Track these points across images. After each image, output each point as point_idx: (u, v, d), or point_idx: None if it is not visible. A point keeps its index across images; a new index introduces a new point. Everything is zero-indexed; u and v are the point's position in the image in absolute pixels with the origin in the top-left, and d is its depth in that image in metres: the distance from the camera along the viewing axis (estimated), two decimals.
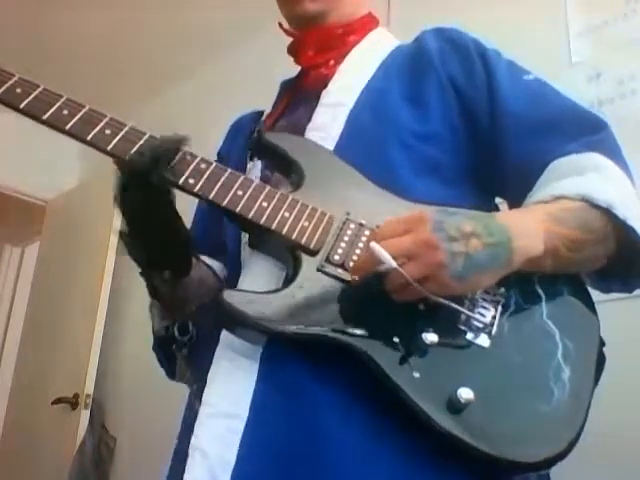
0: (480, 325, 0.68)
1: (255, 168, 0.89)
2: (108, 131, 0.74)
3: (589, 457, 1.38)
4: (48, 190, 3.64)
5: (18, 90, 0.75)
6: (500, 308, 0.69)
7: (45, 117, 0.73)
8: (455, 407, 0.62)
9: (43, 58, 2.91)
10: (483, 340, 0.67)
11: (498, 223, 0.67)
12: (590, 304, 0.73)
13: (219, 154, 1.05)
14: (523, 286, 0.71)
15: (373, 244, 0.65)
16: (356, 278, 0.68)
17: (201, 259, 0.92)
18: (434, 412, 0.61)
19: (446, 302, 0.65)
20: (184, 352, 0.86)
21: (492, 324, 0.68)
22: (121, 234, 0.78)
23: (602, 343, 0.71)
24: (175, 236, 0.78)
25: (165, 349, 0.89)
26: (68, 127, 0.73)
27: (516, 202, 0.79)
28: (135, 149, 0.72)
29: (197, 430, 0.70)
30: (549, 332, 0.68)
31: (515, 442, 0.62)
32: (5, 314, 4.25)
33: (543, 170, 0.77)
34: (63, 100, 0.75)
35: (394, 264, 0.63)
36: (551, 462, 0.62)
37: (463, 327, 0.68)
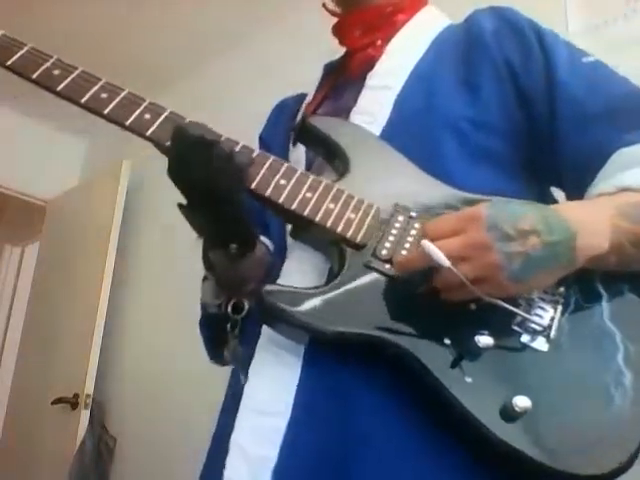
0: (538, 327, 0.63)
1: (297, 153, 0.85)
2: (147, 115, 0.71)
3: None
4: (48, 190, 3.64)
5: (56, 72, 0.73)
6: (559, 309, 0.65)
7: (83, 100, 0.71)
8: (510, 415, 0.58)
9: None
10: (540, 343, 0.63)
11: (560, 218, 0.62)
12: None
13: (261, 138, 1.01)
14: (583, 285, 0.66)
15: (425, 242, 0.60)
16: (401, 275, 0.64)
17: (260, 237, 0.86)
18: (487, 420, 0.58)
19: (501, 303, 0.61)
20: (237, 332, 0.81)
21: (550, 326, 0.64)
22: (180, 207, 0.73)
23: None
24: (241, 207, 0.73)
25: (214, 328, 0.86)
26: (107, 111, 0.71)
27: (576, 194, 0.74)
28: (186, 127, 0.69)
29: (238, 424, 0.68)
30: (609, 333, 0.63)
31: (575, 453, 0.58)
32: (5, 314, 4.25)
33: (606, 160, 0.71)
34: (101, 83, 0.73)
35: (448, 264, 0.59)
36: (615, 474, 0.58)
37: (519, 329, 0.63)
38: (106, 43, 2.98)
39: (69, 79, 0.72)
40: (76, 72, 0.73)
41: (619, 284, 0.67)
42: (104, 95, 0.72)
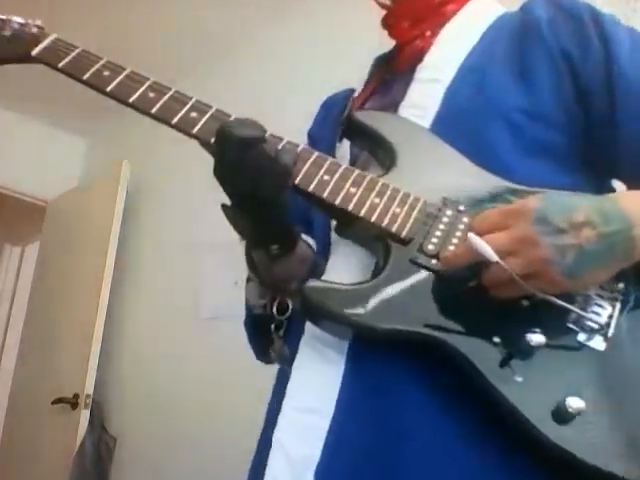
0: (594, 325, 0.60)
1: (343, 149, 0.83)
2: (194, 114, 0.71)
3: None
4: (48, 190, 3.64)
5: (106, 73, 0.74)
6: (618, 306, 0.61)
7: (131, 100, 0.72)
8: (562, 417, 0.55)
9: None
10: (597, 342, 0.59)
11: (617, 208, 0.59)
12: None
13: (309, 135, 0.98)
14: None
15: (472, 236, 0.58)
16: (448, 271, 0.62)
17: (302, 236, 0.85)
18: (538, 421, 0.55)
19: (555, 300, 0.58)
20: (280, 333, 0.81)
21: (608, 324, 0.60)
22: (224, 207, 0.72)
23: None
24: (282, 209, 0.72)
25: (260, 329, 0.84)
26: (154, 111, 0.71)
27: (637, 187, 0.70)
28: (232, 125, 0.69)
29: (280, 423, 0.67)
30: None
31: (631, 458, 0.55)
32: (5, 314, 4.25)
33: None
34: (149, 82, 0.73)
35: (496, 258, 0.57)
36: None
37: (574, 327, 0.60)
38: (106, 45, 2.98)
39: (118, 80, 0.73)
40: (125, 72, 0.74)
41: None
42: (152, 95, 0.73)
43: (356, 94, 0.92)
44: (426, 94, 0.77)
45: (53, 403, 2.87)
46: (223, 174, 0.69)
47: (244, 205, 0.71)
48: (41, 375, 3.13)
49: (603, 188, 0.75)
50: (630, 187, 0.74)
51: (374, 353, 0.64)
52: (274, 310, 0.81)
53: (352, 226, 0.70)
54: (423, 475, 0.59)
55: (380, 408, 0.63)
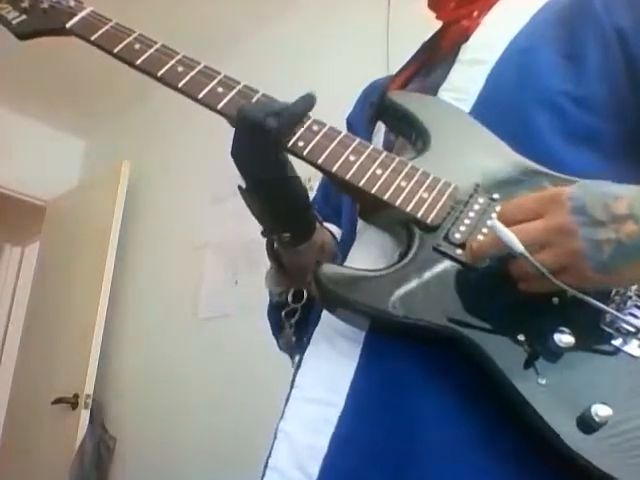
0: (631, 329, 0.55)
1: (379, 132, 0.80)
2: (220, 89, 0.71)
3: None
4: (48, 190, 3.64)
5: (137, 46, 0.74)
6: None
7: (160, 74, 0.72)
8: (588, 425, 0.51)
9: (40, 62, 2.91)
10: (634, 347, 0.55)
11: None
12: None
13: (347, 121, 0.96)
14: None
15: (497, 224, 0.54)
16: (472, 261, 0.58)
17: (324, 225, 0.83)
18: (561, 427, 0.51)
19: (587, 298, 0.53)
20: (293, 321, 0.79)
21: None
22: (240, 189, 0.72)
23: None
24: (290, 197, 0.71)
25: (278, 316, 0.82)
26: (181, 85, 0.71)
27: None
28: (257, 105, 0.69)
29: (287, 413, 0.65)
30: None
31: None
32: (5, 314, 4.25)
33: None
34: (179, 57, 0.73)
35: (523, 250, 0.53)
36: None
37: (609, 329, 0.55)
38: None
39: (148, 53, 0.73)
40: (156, 46, 0.74)
41: None
42: (180, 69, 0.72)
43: (394, 76, 0.89)
44: (468, 76, 0.74)
45: (53, 403, 2.87)
46: (238, 156, 0.69)
47: (257, 189, 0.71)
48: (41, 375, 3.13)
49: None
50: None
51: (390, 347, 0.61)
52: (289, 298, 0.80)
53: (377, 211, 0.66)
54: (435, 477, 0.56)
55: (393, 405, 0.60)
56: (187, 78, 0.71)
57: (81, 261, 3.19)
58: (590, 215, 0.52)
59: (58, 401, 2.86)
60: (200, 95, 0.70)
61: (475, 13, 0.80)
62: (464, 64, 0.75)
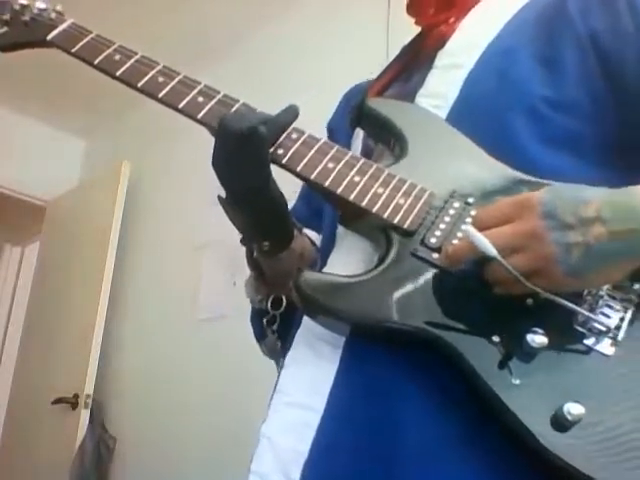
0: (603, 328, 0.56)
1: (358, 138, 0.81)
2: (201, 98, 0.72)
3: None
4: (48, 190, 3.64)
5: (117, 57, 0.75)
6: (632, 308, 0.57)
7: (140, 84, 0.73)
8: (561, 424, 0.52)
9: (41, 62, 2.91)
10: (605, 346, 0.55)
11: (634, 204, 0.54)
12: None
13: (328, 126, 0.96)
14: None
15: (470, 229, 0.55)
16: (447, 265, 0.59)
17: (304, 232, 0.85)
18: (535, 426, 0.52)
19: (558, 299, 0.54)
20: (274, 327, 0.80)
21: (619, 327, 0.56)
22: (220, 199, 0.73)
23: None
24: (270, 205, 0.72)
25: (259, 323, 0.83)
26: (161, 95, 0.72)
27: None
28: (235, 114, 0.70)
29: (269, 417, 0.66)
30: None
31: (631, 471, 0.51)
32: (5, 314, 4.25)
33: None
34: (159, 67, 0.74)
35: (495, 254, 0.54)
36: None
37: (582, 329, 0.56)
38: None
39: (128, 64, 0.74)
40: (135, 57, 0.75)
41: None
42: (161, 79, 0.73)
43: (372, 82, 0.89)
44: (445, 81, 0.74)
45: (53, 403, 2.87)
46: (217, 165, 0.69)
47: (237, 199, 0.71)
48: (41, 375, 3.13)
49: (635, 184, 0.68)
50: None
51: (371, 351, 0.61)
52: (268, 305, 0.80)
53: (356, 217, 0.68)
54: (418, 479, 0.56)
55: (374, 409, 0.60)
56: (167, 88, 0.72)
57: (81, 261, 3.19)
58: (560, 219, 0.53)
59: (58, 401, 2.86)
60: (181, 105, 0.71)
61: (452, 19, 0.81)
62: (440, 69, 0.75)
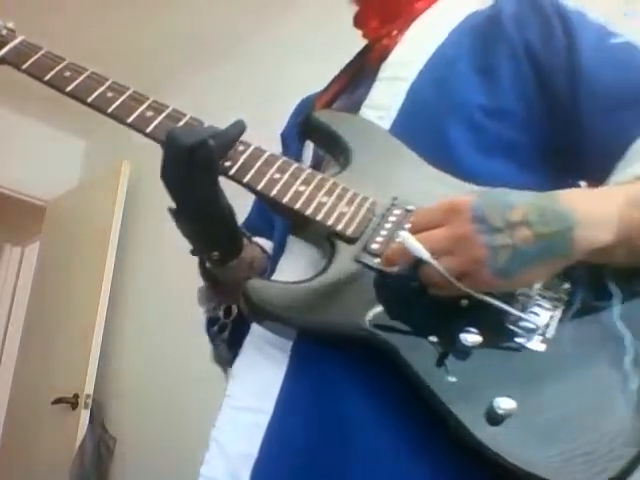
0: (533, 326, 0.59)
1: (309, 147, 0.83)
2: (150, 113, 0.74)
3: None
4: (48, 190, 3.64)
5: (67, 74, 0.77)
6: (562, 307, 0.60)
7: (90, 100, 0.75)
8: (494, 418, 0.54)
9: None
10: (536, 344, 0.58)
11: (560, 208, 0.57)
12: None
13: (281, 136, 0.99)
14: (593, 282, 0.61)
15: (403, 234, 0.58)
16: (388, 269, 0.61)
17: (254, 241, 0.88)
18: (470, 421, 0.54)
19: (489, 299, 0.57)
20: (224, 335, 0.82)
21: (548, 325, 0.59)
22: (170, 210, 0.75)
23: None
24: (219, 216, 0.75)
25: (212, 330, 0.86)
26: (110, 110, 0.74)
27: (598, 185, 0.68)
28: (182, 127, 0.72)
29: (218, 421, 0.67)
30: (619, 335, 0.58)
31: (560, 462, 0.53)
32: (5, 314, 4.25)
33: (627, 148, 0.67)
34: (109, 83, 0.76)
35: (428, 257, 0.56)
36: None
37: (514, 328, 0.59)
38: (100, 45, 2.98)
39: (78, 80, 0.76)
40: (86, 73, 0.77)
41: (634, 283, 0.61)
42: (110, 94, 0.75)
43: (320, 93, 0.92)
44: (388, 93, 0.77)
45: (53, 403, 2.87)
46: (166, 178, 0.72)
47: (186, 210, 0.74)
48: (41, 375, 3.13)
49: (568, 187, 0.73)
50: (592, 187, 0.71)
51: (317, 353, 0.63)
52: (221, 313, 0.83)
53: (303, 225, 0.70)
54: (362, 477, 0.58)
55: (321, 408, 0.62)
56: (117, 103, 0.74)
57: (81, 261, 3.19)
58: (489, 224, 0.55)
59: (58, 401, 2.86)
60: (129, 119, 0.73)
61: (394, 32, 0.83)
62: (384, 81, 0.78)
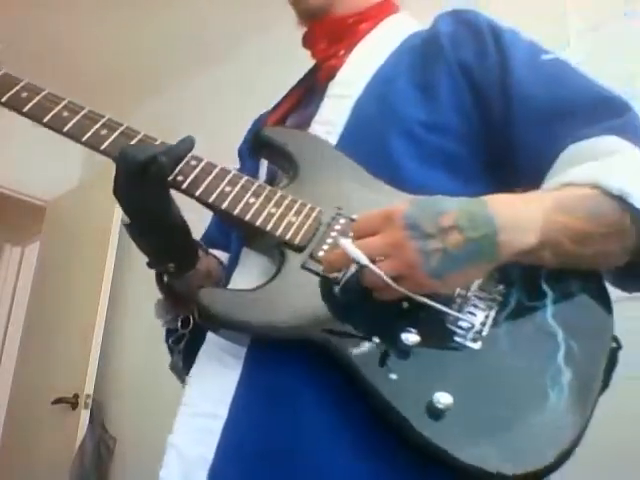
0: (469, 325, 0.63)
1: (263, 166, 0.87)
2: (104, 131, 0.75)
3: (599, 466, 1.38)
4: (48, 190, 3.64)
5: (24, 94, 0.78)
6: (496, 307, 0.64)
7: (45, 120, 0.77)
8: (434, 413, 0.57)
9: (41, 63, 2.91)
10: (472, 342, 0.62)
11: (486, 213, 0.60)
12: (605, 303, 0.66)
13: (239, 151, 1.04)
14: (527, 283, 0.65)
15: (342, 240, 0.62)
16: (332, 275, 0.66)
17: (210, 252, 0.91)
18: (412, 416, 0.57)
19: (426, 301, 0.61)
20: (180, 346, 0.86)
21: (484, 324, 0.63)
22: (124, 225, 0.78)
23: (618, 345, 0.64)
24: (174, 228, 0.79)
25: (169, 341, 0.90)
26: (66, 129, 0.76)
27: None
28: (135, 145, 0.74)
29: (175, 427, 0.70)
30: (551, 332, 0.62)
31: (499, 453, 0.56)
32: (5, 314, 4.25)
33: (557, 158, 0.70)
34: (64, 102, 0.78)
35: (366, 261, 0.60)
36: (539, 474, 0.56)
37: (452, 327, 0.63)
38: (100, 45, 2.98)
39: (34, 101, 0.78)
40: (42, 93, 0.78)
41: (568, 283, 0.66)
42: (65, 114, 0.77)
43: (270, 110, 0.97)
44: (335, 109, 0.81)
45: (53, 403, 2.87)
46: (118, 194, 0.74)
47: (140, 224, 0.77)
48: (41, 375, 3.13)
49: None
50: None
51: (270, 357, 0.66)
52: (178, 324, 0.87)
53: (255, 236, 0.73)
54: (314, 476, 0.61)
55: (274, 412, 0.65)
56: (72, 122, 0.76)
57: (81, 261, 3.19)
58: (421, 230, 0.59)
59: (58, 401, 2.86)
60: (84, 138, 0.75)
61: (341, 52, 0.89)
62: (332, 99, 0.83)
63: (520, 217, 0.62)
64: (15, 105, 0.78)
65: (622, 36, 1.74)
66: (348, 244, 0.61)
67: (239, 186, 0.73)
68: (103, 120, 0.76)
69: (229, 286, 0.77)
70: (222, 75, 3.01)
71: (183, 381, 0.83)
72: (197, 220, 0.86)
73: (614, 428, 1.17)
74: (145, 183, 0.71)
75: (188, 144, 0.74)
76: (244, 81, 2.83)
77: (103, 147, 0.75)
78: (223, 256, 0.93)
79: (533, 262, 0.64)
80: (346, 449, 0.61)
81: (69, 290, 3.20)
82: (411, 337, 0.61)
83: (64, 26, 2.87)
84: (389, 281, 0.60)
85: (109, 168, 0.75)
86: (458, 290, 0.65)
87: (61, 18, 2.87)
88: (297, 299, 0.66)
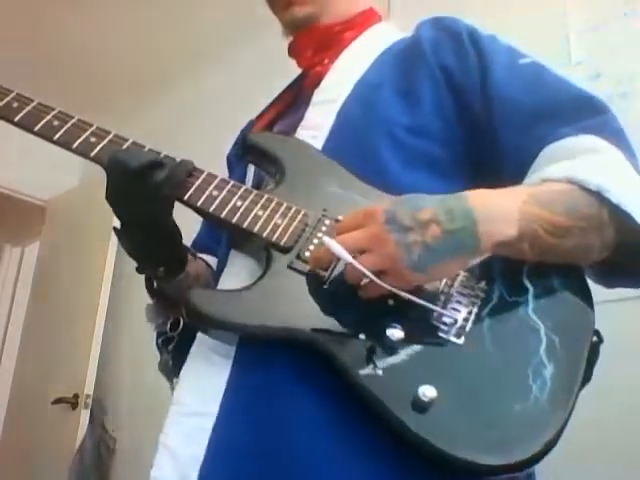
0: (452, 321, 0.64)
1: (250, 171, 0.90)
2: (93, 139, 0.77)
3: (588, 459, 1.38)
4: (48, 190, 3.64)
5: (15, 105, 0.80)
6: (479, 303, 0.66)
7: (36, 129, 0.78)
8: (420, 406, 0.59)
9: (40, 66, 2.91)
10: (456, 337, 0.64)
11: (464, 206, 0.63)
12: (586, 298, 0.68)
13: (227, 158, 1.06)
14: (509, 279, 0.67)
15: (325, 238, 0.64)
16: (313, 270, 0.67)
17: (199, 256, 0.93)
18: (398, 410, 0.59)
19: (410, 297, 0.63)
20: (170, 348, 0.87)
21: (467, 320, 0.65)
22: (115, 230, 0.79)
23: (599, 339, 0.66)
24: (165, 233, 0.80)
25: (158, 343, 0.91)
26: (56, 137, 0.78)
27: None
28: (126, 150, 0.76)
29: (166, 427, 0.70)
30: (533, 327, 0.64)
31: (482, 443, 0.57)
32: (5, 314, 4.25)
33: (536, 157, 0.72)
34: (54, 112, 0.80)
35: (349, 258, 0.62)
36: (524, 465, 0.57)
37: (436, 323, 0.65)
38: (94, 47, 2.98)
39: (25, 110, 0.80)
40: (32, 104, 0.80)
41: (549, 278, 0.67)
42: (56, 123, 0.79)
43: (259, 116, 0.99)
44: (321, 115, 0.84)
45: (53, 403, 2.87)
46: (112, 199, 0.75)
47: (131, 230, 0.78)
48: (41, 375, 3.13)
49: None
50: None
51: (258, 356, 0.67)
52: (167, 327, 0.87)
53: (243, 238, 0.75)
54: (305, 474, 0.61)
55: (263, 409, 0.65)
56: (62, 131, 0.78)
57: (81, 261, 3.19)
58: (399, 223, 0.61)
59: (58, 401, 2.87)
60: (74, 145, 0.77)
61: (326, 60, 0.91)
62: (317, 104, 0.86)
63: (495, 210, 0.64)
64: (7, 115, 0.80)
65: (622, 36, 1.74)
66: (330, 240, 0.63)
67: (226, 190, 0.75)
68: (92, 128, 0.79)
69: (219, 288, 0.78)
70: (222, 76, 3.01)
71: (171, 381, 0.85)
72: (186, 224, 0.87)
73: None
74: (133, 189, 0.73)
75: (189, 166, 0.76)
76: (244, 83, 2.83)
77: (93, 154, 0.76)
78: (212, 260, 0.95)
79: (514, 255, 0.66)
80: (336, 447, 0.61)
81: (69, 290, 3.20)
82: (396, 333, 0.63)
83: (76, 25, 2.87)
84: (370, 275, 0.61)
85: None
86: (442, 287, 0.67)
87: (77, 17, 2.87)
88: (284, 299, 0.68)
